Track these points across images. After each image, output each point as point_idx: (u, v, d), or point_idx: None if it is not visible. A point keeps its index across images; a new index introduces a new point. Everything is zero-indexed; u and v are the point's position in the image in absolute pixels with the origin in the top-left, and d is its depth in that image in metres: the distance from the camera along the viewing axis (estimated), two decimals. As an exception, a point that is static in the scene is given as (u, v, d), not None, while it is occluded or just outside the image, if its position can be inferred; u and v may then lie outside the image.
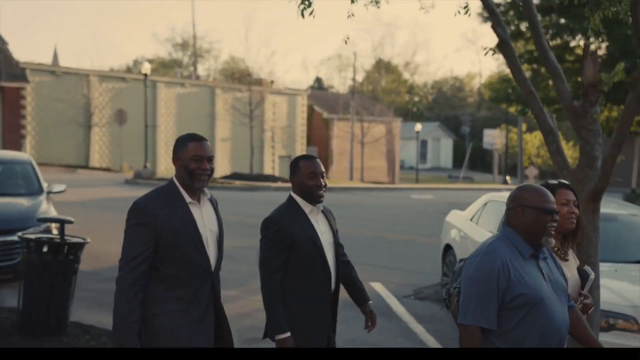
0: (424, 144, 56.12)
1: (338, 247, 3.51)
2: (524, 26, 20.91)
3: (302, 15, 6.44)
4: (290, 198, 3.41)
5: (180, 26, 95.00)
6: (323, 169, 3.42)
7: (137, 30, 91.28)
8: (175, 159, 3.04)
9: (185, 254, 2.98)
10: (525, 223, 2.74)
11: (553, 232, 2.77)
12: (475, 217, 7.70)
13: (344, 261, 3.60)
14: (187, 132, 3.38)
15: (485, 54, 6.38)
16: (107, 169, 30.70)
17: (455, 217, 8.41)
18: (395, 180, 41.62)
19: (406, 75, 67.42)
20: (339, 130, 39.46)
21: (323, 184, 3.38)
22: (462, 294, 2.74)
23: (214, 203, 3.19)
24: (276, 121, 36.77)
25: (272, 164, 36.97)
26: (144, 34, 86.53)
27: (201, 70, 60.12)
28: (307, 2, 6.41)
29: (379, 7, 6.89)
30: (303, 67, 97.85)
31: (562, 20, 18.90)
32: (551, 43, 19.99)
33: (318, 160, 3.45)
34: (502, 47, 6.34)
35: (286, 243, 3.28)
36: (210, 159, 3.05)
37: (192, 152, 3.01)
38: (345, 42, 6.68)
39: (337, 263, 3.46)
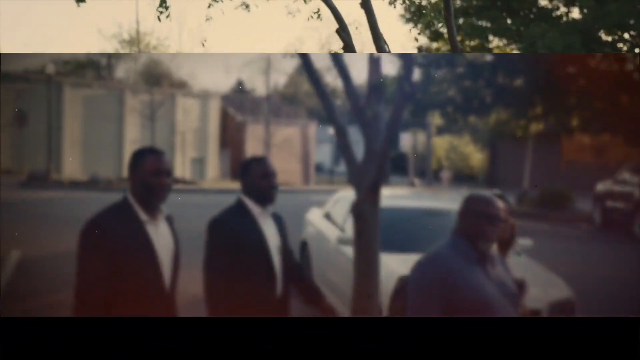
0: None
1: (287, 252, 3.42)
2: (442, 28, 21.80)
3: (159, 19, 6.82)
4: (239, 200, 3.33)
5: (127, 23, 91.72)
6: (275, 170, 3.37)
7: (84, 27, 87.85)
8: (132, 173, 2.86)
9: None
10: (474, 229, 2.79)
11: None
12: (328, 214, 7.79)
13: (295, 265, 3.53)
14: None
15: (331, 56, 6.95)
16: (8, 172, 29.71)
17: (313, 214, 8.42)
18: (311, 182, 42.29)
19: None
20: (253, 133, 39.70)
21: (276, 184, 3.35)
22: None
23: (169, 220, 3.04)
24: (187, 124, 36.62)
25: (182, 167, 36.77)
26: (91, 31, 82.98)
27: (121, 71, 58.49)
28: (164, 6, 6.80)
29: (248, 10, 7.37)
30: (225, 69, 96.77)
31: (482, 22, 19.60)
32: (470, 44, 20.72)
33: (269, 160, 3.42)
34: (346, 50, 6.91)
35: (232, 245, 3.17)
36: (169, 172, 2.90)
37: (151, 166, 2.85)
38: (203, 44, 7.11)
39: (284, 267, 3.34)
